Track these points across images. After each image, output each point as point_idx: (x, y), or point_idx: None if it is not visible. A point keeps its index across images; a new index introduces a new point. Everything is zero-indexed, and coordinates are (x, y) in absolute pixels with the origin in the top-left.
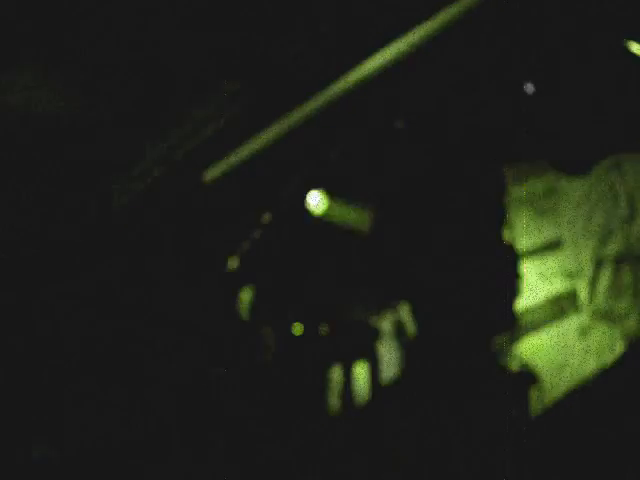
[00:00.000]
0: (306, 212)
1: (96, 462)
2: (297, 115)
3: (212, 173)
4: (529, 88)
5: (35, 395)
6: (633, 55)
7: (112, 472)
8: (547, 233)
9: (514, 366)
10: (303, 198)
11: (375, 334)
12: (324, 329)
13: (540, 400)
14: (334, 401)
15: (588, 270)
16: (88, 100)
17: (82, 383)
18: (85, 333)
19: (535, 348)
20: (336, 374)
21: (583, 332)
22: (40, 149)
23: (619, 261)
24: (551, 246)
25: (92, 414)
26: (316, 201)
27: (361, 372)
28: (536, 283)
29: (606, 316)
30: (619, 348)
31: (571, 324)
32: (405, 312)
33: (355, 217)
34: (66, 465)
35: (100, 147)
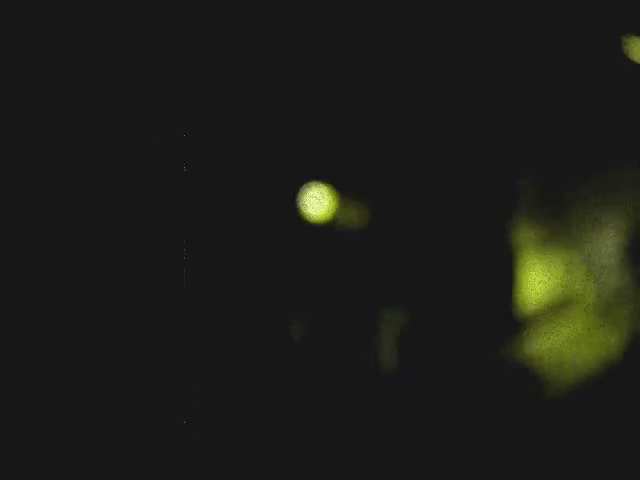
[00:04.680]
0: (305, 208)
1: None
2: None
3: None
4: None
5: None
6: (633, 55)
7: None
8: (548, 232)
9: (515, 366)
10: (303, 193)
11: (376, 334)
12: (323, 328)
13: (541, 400)
14: (334, 401)
15: (590, 269)
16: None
17: None
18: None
19: (536, 348)
20: (336, 374)
21: (585, 331)
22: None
23: (621, 260)
24: (552, 246)
25: None
26: (317, 197)
27: (361, 372)
28: (538, 282)
29: (608, 315)
30: (622, 347)
31: (573, 323)
32: (406, 311)
33: (353, 213)
34: None
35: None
